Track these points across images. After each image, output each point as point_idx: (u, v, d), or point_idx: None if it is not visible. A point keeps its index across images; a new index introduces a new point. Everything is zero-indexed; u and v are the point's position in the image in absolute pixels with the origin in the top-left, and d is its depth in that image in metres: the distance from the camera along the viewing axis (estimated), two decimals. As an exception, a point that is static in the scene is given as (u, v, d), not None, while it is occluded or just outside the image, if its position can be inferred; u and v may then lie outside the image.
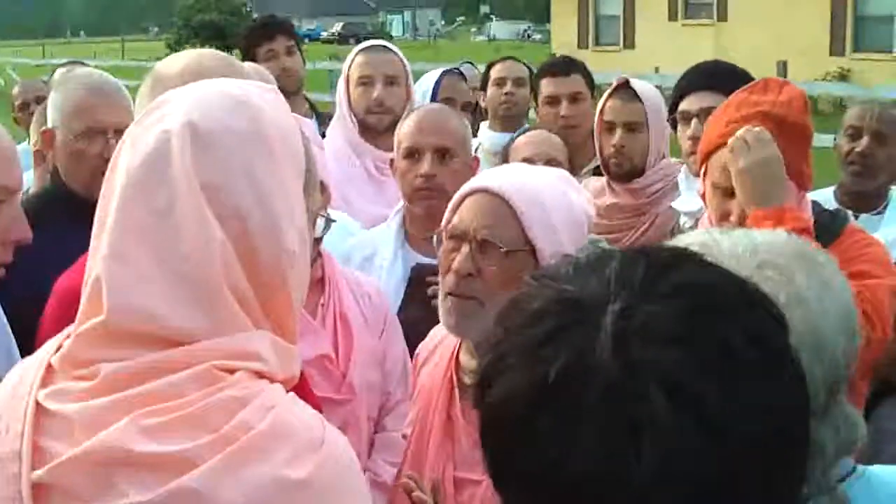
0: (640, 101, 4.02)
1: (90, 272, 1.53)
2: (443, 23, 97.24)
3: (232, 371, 1.47)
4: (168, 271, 1.47)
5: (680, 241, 1.73)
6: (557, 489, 1.06)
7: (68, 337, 1.55)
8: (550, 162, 3.71)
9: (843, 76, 26.95)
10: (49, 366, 1.53)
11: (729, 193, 2.76)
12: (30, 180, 3.75)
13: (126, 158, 1.54)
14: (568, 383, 1.05)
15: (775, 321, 1.13)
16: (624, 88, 4.08)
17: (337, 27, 75.40)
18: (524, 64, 5.77)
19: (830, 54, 28.35)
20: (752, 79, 3.28)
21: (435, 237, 2.48)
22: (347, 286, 3.08)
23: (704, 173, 2.87)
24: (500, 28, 79.28)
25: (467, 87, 5.45)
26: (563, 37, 35.65)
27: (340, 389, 2.95)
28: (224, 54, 2.38)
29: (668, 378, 1.02)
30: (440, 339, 2.61)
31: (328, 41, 64.12)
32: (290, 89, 4.93)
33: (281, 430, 1.45)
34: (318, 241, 2.78)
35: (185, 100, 1.58)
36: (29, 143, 4.64)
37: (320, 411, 1.59)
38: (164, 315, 1.46)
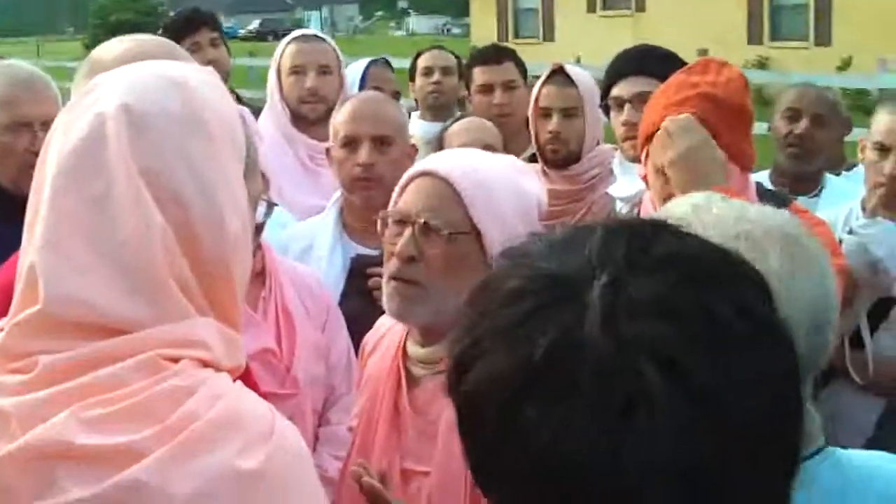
0: (576, 86, 4.02)
1: (24, 262, 1.47)
2: (361, 18, 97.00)
3: (176, 360, 1.42)
4: (106, 259, 1.42)
5: (680, 202, 1.70)
6: (548, 473, 1.02)
7: (1, 330, 1.48)
8: (486, 149, 3.67)
9: (761, 64, 27.28)
10: (-19, 362, 1.46)
11: None
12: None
13: (57, 146, 1.49)
14: (556, 362, 1.01)
15: (760, 289, 1.10)
16: (558, 74, 4.08)
17: (254, 24, 75.03)
18: (451, 52, 5.74)
19: (749, 42, 28.75)
20: (682, 62, 3.27)
21: (379, 221, 2.42)
22: (288, 278, 3.03)
23: (646, 157, 2.84)
24: (418, 23, 79.21)
25: (394, 76, 5.42)
26: (482, 31, 35.67)
27: (285, 384, 2.91)
28: (165, 40, 2.28)
29: (659, 352, 0.99)
30: (387, 329, 2.56)
31: (246, 38, 63.74)
32: None
33: (230, 419, 1.40)
34: (259, 228, 2.72)
35: (119, 82, 1.53)
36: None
37: (267, 404, 1.55)
38: (104, 304, 1.41)
